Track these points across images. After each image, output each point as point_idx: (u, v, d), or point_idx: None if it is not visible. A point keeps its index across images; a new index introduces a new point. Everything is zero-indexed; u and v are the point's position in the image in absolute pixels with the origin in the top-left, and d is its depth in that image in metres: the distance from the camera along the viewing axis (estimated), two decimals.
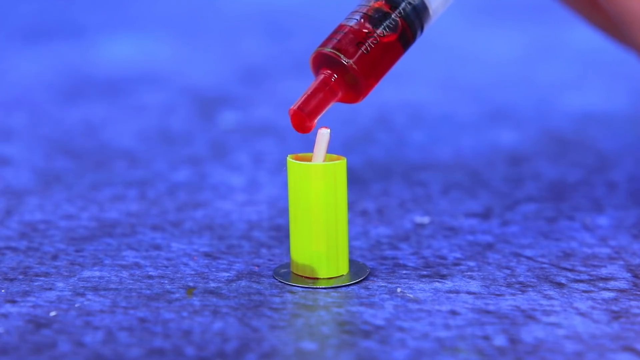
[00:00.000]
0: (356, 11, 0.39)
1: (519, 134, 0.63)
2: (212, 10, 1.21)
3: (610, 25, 0.47)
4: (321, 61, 0.38)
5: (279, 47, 0.96)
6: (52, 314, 0.36)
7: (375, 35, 0.38)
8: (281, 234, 0.45)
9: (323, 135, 0.38)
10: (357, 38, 0.38)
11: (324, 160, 0.39)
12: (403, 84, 0.76)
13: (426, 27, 0.39)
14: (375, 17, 0.38)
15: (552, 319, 0.35)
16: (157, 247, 0.43)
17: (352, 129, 0.64)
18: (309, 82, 0.38)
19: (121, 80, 0.80)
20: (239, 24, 1.12)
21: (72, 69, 0.86)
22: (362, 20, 0.38)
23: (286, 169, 0.39)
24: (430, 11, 0.39)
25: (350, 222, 0.46)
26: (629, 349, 0.33)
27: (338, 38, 0.38)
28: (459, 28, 1.01)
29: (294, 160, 0.39)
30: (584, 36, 0.79)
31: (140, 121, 0.67)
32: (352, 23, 0.38)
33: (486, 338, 0.34)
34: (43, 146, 0.60)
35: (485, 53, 0.93)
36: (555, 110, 0.70)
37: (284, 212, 0.47)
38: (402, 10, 0.38)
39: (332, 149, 0.39)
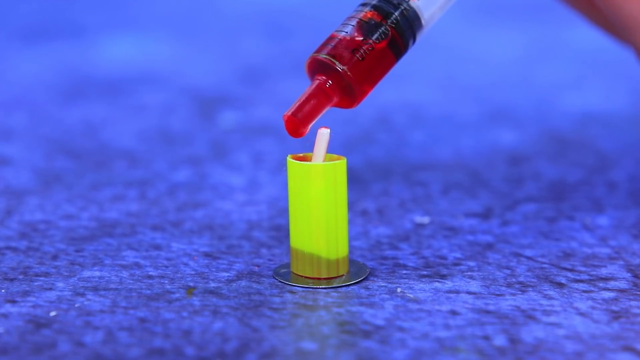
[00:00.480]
0: (350, 17, 0.39)
1: (519, 134, 0.63)
2: (212, 10, 1.21)
3: (610, 24, 0.47)
4: (316, 67, 0.38)
5: (279, 47, 0.96)
6: (52, 314, 0.36)
7: (370, 42, 0.38)
8: (281, 234, 0.45)
9: (323, 135, 0.38)
10: (352, 45, 0.38)
11: (324, 160, 0.39)
12: (403, 84, 0.76)
13: (419, 37, 0.39)
14: (368, 26, 0.38)
15: (552, 319, 0.35)
16: (157, 247, 0.43)
17: (352, 129, 0.64)
18: (309, 83, 0.38)
19: (121, 80, 0.80)
20: (239, 24, 1.12)
21: (72, 69, 0.86)
22: (355, 28, 0.38)
23: (286, 169, 0.39)
24: (423, 21, 0.39)
25: (350, 222, 0.46)
26: (629, 349, 0.33)
27: (333, 44, 0.38)
28: (459, 28, 1.01)
29: (294, 160, 0.39)
30: (584, 36, 0.79)
31: (140, 121, 0.67)
32: (347, 30, 0.38)
33: (486, 338, 0.34)
34: (43, 146, 0.60)
35: (485, 53, 0.93)
36: (555, 110, 0.70)
37: (284, 212, 0.47)
38: (394, 20, 0.38)
39: (332, 149, 0.39)
